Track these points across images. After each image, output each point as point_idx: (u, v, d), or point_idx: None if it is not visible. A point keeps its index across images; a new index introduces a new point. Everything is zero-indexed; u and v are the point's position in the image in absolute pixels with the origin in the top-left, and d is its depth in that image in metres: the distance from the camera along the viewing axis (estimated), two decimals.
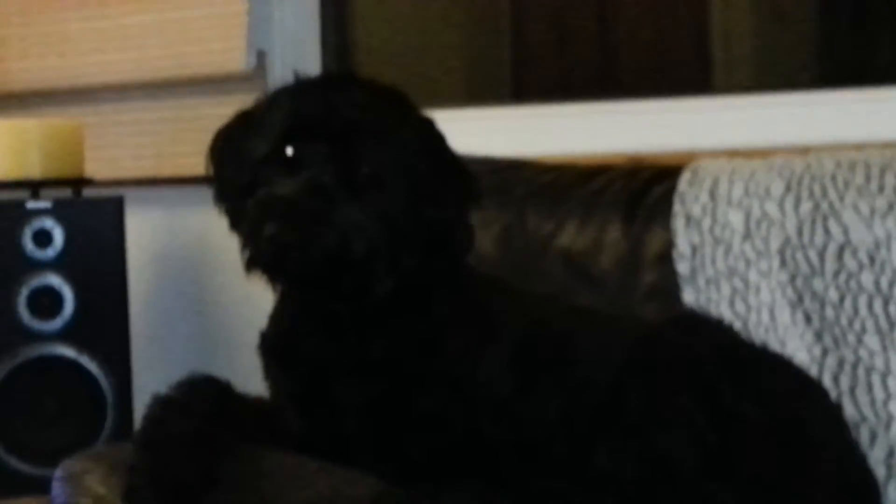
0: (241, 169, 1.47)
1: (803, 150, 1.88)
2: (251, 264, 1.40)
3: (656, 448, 1.42)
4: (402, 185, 1.42)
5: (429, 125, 1.50)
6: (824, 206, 1.75)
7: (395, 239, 1.41)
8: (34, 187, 2.45)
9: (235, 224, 1.46)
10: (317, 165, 1.40)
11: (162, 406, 1.47)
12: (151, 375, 2.50)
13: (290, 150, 1.41)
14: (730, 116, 2.21)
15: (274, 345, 1.53)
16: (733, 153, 1.93)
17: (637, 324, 1.62)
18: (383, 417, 1.45)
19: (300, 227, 1.36)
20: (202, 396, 1.48)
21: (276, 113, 1.46)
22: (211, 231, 2.54)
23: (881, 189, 1.74)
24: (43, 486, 1.98)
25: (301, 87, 1.49)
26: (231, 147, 1.50)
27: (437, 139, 1.50)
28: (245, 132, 1.48)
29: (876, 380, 1.68)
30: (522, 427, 1.47)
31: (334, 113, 1.42)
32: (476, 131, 2.29)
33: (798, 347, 1.71)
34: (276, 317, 1.54)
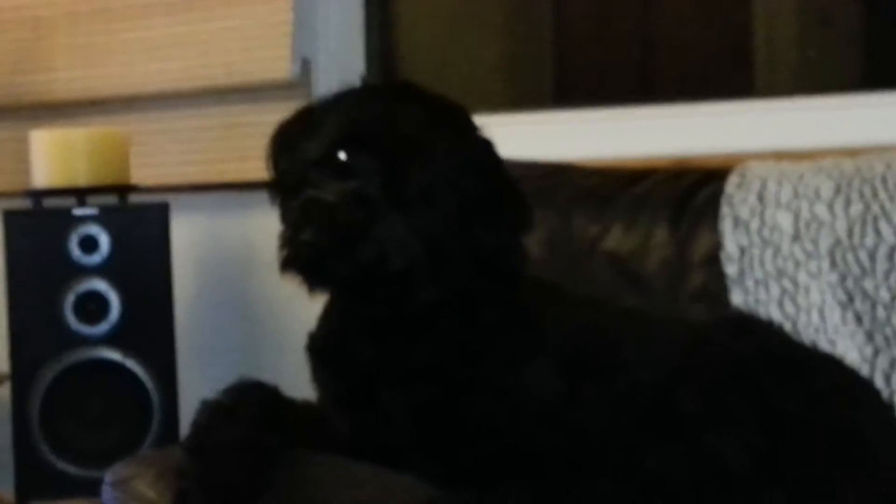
0: (293, 167, 1.47)
1: (848, 153, 1.86)
2: (286, 266, 1.40)
3: (707, 451, 1.40)
4: (450, 205, 1.41)
5: (486, 147, 1.50)
6: (875, 207, 1.74)
7: (438, 257, 1.41)
8: (81, 194, 2.49)
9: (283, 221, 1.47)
10: (366, 175, 1.40)
11: (211, 412, 1.47)
12: (197, 378, 2.52)
13: (342, 156, 1.42)
14: (773, 119, 2.20)
15: (322, 346, 1.53)
16: (777, 155, 1.92)
17: (686, 326, 1.61)
18: (431, 423, 1.45)
19: (338, 235, 1.37)
20: (250, 402, 1.48)
21: (333, 116, 1.46)
22: (255, 236, 2.56)
23: None
24: (90, 488, 2.01)
25: (362, 94, 1.49)
26: (288, 144, 1.50)
27: (494, 162, 1.49)
28: (302, 131, 1.49)
29: None
30: (571, 433, 1.46)
31: (391, 125, 1.42)
32: (519, 136, 2.29)
33: (849, 348, 1.70)
34: (325, 318, 1.54)
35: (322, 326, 1.55)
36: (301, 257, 1.38)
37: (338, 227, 1.37)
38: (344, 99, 1.48)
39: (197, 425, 1.47)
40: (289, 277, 1.42)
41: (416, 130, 1.42)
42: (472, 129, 1.50)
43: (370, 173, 1.40)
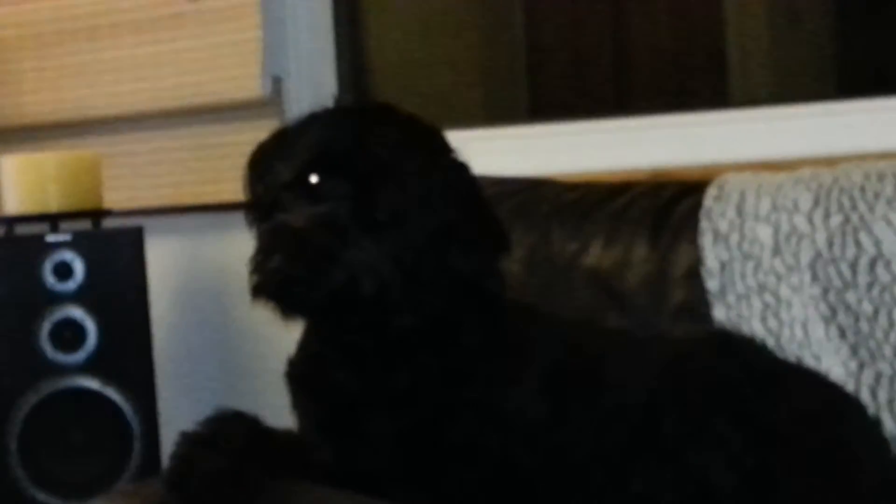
0: (267, 190, 1.46)
1: (825, 161, 1.86)
2: (256, 293, 1.39)
3: (693, 471, 1.40)
4: (423, 229, 1.40)
5: (461, 170, 1.48)
6: (854, 218, 1.73)
7: (411, 282, 1.39)
8: (53, 220, 2.46)
9: None
10: (337, 199, 1.38)
11: (190, 443, 1.46)
12: (177, 404, 2.50)
13: (314, 179, 1.40)
14: (750, 129, 2.20)
15: (301, 373, 1.52)
16: (755, 166, 1.92)
17: (668, 344, 1.60)
18: (413, 449, 1.44)
19: (307, 261, 1.35)
20: (231, 433, 1.47)
21: (305, 139, 1.45)
22: (232, 258, 2.53)
23: None
24: None
25: (335, 115, 1.48)
26: (262, 167, 1.49)
27: (468, 185, 1.48)
28: (275, 153, 1.47)
29: None
30: (556, 455, 1.46)
31: (363, 147, 1.40)
32: (494, 150, 2.28)
33: (833, 363, 1.69)
34: (304, 344, 1.53)
35: (301, 352, 1.53)
36: (270, 284, 1.37)
37: (306, 252, 1.35)
38: (316, 120, 1.47)
39: (177, 457, 1.45)
40: (260, 304, 1.40)
41: (389, 153, 1.41)
42: (447, 151, 1.48)
43: (341, 197, 1.38)
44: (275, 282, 1.36)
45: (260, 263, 1.37)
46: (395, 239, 1.38)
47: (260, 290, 1.38)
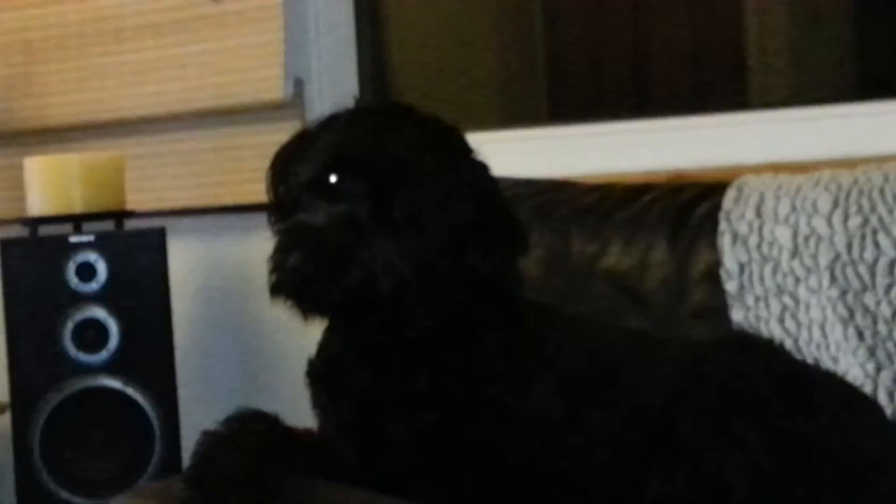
0: (288, 191, 1.47)
1: (845, 163, 1.86)
2: (275, 291, 1.40)
3: (710, 473, 1.40)
4: (440, 228, 1.40)
5: (480, 170, 1.49)
6: (873, 220, 1.73)
7: (428, 280, 1.40)
8: (77, 221, 2.48)
9: None
10: (355, 198, 1.39)
11: (211, 442, 1.47)
12: (197, 403, 2.51)
13: (333, 179, 1.41)
14: (770, 131, 2.20)
15: (322, 373, 1.53)
16: (774, 167, 1.91)
17: (687, 346, 1.60)
18: (433, 449, 1.45)
19: (325, 259, 1.36)
20: (251, 432, 1.48)
21: (325, 139, 1.45)
22: (253, 258, 2.54)
23: None
24: None
25: (354, 116, 1.48)
26: (283, 168, 1.50)
27: (487, 186, 1.49)
28: (296, 154, 1.48)
29: None
30: (574, 456, 1.46)
31: (381, 147, 1.41)
32: (513, 153, 2.29)
33: (851, 364, 1.69)
34: (325, 345, 1.54)
35: (322, 353, 1.54)
36: (288, 283, 1.38)
37: (324, 251, 1.36)
38: (336, 121, 1.48)
39: (198, 456, 1.47)
40: (278, 303, 1.41)
41: (408, 153, 1.41)
42: (466, 152, 1.49)
43: (360, 196, 1.39)
44: (293, 280, 1.37)
45: (278, 262, 1.38)
46: (413, 238, 1.39)
47: (278, 289, 1.39)
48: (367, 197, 1.39)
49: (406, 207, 1.39)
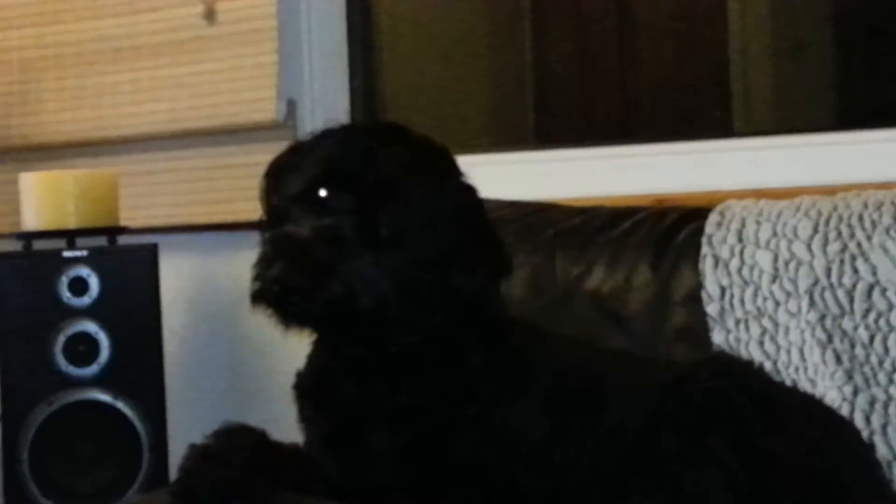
0: (278, 202, 1.49)
1: (825, 191, 1.89)
2: (255, 300, 1.42)
3: (690, 492, 1.42)
4: (425, 247, 1.42)
5: (468, 192, 1.51)
6: (852, 246, 1.76)
7: (410, 298, 1.42)
8: (70, 236, 2.50)
9: None
10: (342, 214, 1.41)
11: (199, 456, 1.50)
12: (187, 419, 2.52)
13: (322, 192, 1.43)
14: (753, 158, 2.23)
15: (308, 385, 1.55)
16: (756, 194, 1.94)
17: (668, 367, 1.63)
18: (416, 464, 1.47)
19: (306, 271, 1.38)
20: (238, 446, 1.50)
21: (317, 153, 1.48)
22: (244, 276, 2.56)
23: None
24: None
25: (346, 132, 1.51)
26: (275, 179, 1.52)
27: (474, 208, 1.51)
28: (288, 166, 1.51)
29: None
30: (556, 473, 1.48)
31: (371, 164, 1.44)
32: (501, 175, 2.32)
33: (829, 387, 1.72)
34: (313, 358, 1.56)
35: (309, 366, 1.56)
36: (269, 292, 1.40)
37: (306, 263, 1.38)
38: (329, 136, 1.50)
39: (184, 470, 1.49)
40: (259, 311, 1.43)
41: (397, 171, 1.43)
42: (455, 173, 1.51)
43: (347, 211, 1.41)
44: (273, 290, 1.39)
45: (260, 271, 1.41)
46: (397, 256, 1.41)
47: (259, 298, 1.42)
48: (354, 212, 1.41)
49: (392, 225, 1.41)
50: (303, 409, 1.55)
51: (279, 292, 1.39)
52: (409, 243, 1.42)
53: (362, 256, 1.40)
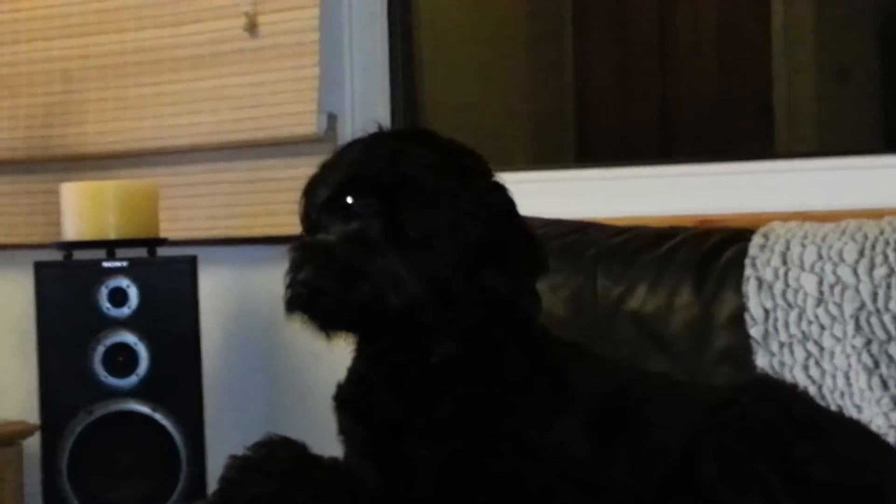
0: (310, 212, 1.50)
1: (871, 214, 1.88)
2: (289, 307, 1.42)
3: None
4: (454, 247, 1.42)
5: (498, 191, 1.50)
6: None
7: (441, 299, 1.41)
8: (110, 247, 2.51)
9: None
10: (368, 218, 1.42)
11: (239, 467, 1.50)
12: (224, 431, 2.53)
13: (349, 199, 1.44)
14: (796, 180, 2.22)
15: (348, 396, 1.54)
16: (800, 216, 1.93)
17: (711, 389, 1.62)
18: (456, 478, 1.46)
19: (333, 274, 1.38)
20: (278, 458, 1.50)
21: (343, 161, 1.49)
22: (282, 290, 2.58)
23: None
24: None
25: (374, 139, 1.51)
26: (310, 191, 1.54)
27: (505, 207, 1.50)
28: (321, 178, 1.52)
29: None
30: (595, 493, 1.47)
31: (393, 169, 1.43)
32: (542, 193, 2.32)
33: (875, 413, 1.70)
34: (353, 369, 1.56)
35: (350, 377, 1.56)
36: (299, 297, 1.40)
37: (333, 266, 1.38)
38: (354, 145, 1.51)
39: (225, 480, 1.50)
40: (292, 319, 1.43)
41: (420, 171, 1.43)
42: (484, 172, 1.50)
43: (372, 215, 1.41)
44: (303, 294, 1.39)
45: (292, 277, 1.41)
46: (425, 256, 1.41)
47: (291, 304, 1.42)
48: (380, 215, 1.41)
49: (418, 226, 1.41)
50: (342, 421, 1.55)
51: (309, 295, 1.40)
52: (436, 243, 1.41)
53: (389, 257, 1.40)
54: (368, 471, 1.50)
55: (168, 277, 2.47)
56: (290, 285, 1.41)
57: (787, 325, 1.80)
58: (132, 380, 2.42)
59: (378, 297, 1.39)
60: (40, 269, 2.49)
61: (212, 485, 1.57)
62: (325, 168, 1.52)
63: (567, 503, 1.46)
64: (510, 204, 1.51)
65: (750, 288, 1.83)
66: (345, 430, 1.55)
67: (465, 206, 1.44)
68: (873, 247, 1.78)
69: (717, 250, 1.90)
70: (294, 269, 1.41)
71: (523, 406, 1.48)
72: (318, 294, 1.39)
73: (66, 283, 2.46)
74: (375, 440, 1.50)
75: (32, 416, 2.56)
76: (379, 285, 1.39)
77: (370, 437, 1.50)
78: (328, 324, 1.43)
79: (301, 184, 1.57)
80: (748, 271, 1.84)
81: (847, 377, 1.74)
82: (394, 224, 1.41)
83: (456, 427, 1.46)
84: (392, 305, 1.40)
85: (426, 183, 1.43)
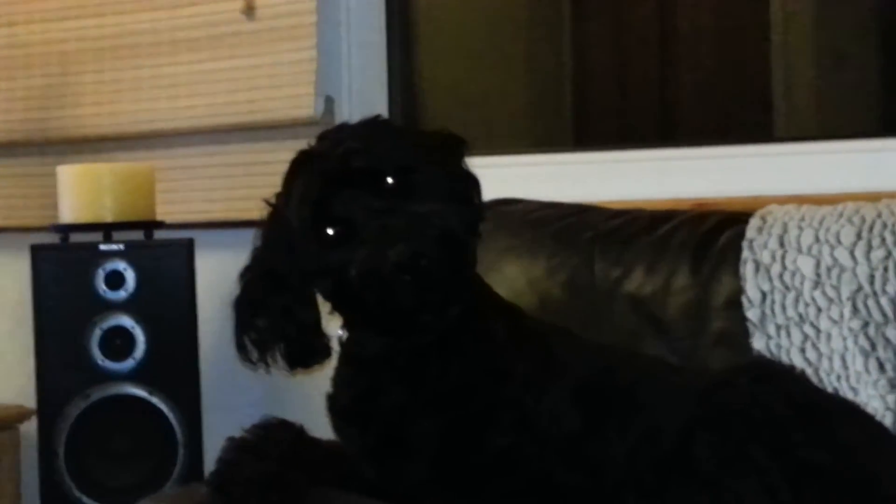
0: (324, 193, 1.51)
1: (868, 197, 1.87)
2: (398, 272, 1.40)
3: (729, 499, 1.41)
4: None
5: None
6: None
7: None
8: (107, 230, 2.51)
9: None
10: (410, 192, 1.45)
11: (236, 448, 1.50)
12: (221, 414, 2.53)
13: (389, 179, 1.46)
14: (794, 163, 2.21)
15: (346, 404, 1.55)
16: (797, 199, 1.93)
17: (705, 372, 1.62)
18: (455, 456, 1.47)
19: (440, 242, 1.42)
20: (276, 440, 1.51)
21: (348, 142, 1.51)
22: None
23: None
24: None
25: (361, 128, 1.54)
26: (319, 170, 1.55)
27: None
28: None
29: None
30: (590, 471, 1.48)
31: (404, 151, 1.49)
32: (540, 177, 2.31)
33: (871, 395, 1.71)
34: (343, 376, 1.56)
35: (342, 388, 1.56)
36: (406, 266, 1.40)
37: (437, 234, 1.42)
38: (344, 133, 1.53)
39: (222, 461, 1.50)
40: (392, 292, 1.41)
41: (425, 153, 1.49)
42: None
43: (408, 190, 1.45)
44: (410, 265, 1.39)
45: (389, 254, 1.40)
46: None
47: (402, 269, 1.40)
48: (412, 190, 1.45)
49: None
50: (341, 429, 1.56)
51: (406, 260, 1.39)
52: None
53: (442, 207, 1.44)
54: (367, 456, 1.51)
55: (165, 260, 2.46)
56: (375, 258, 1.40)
57: (783, 308, 1.80)
58: (129, 363, 2.42)
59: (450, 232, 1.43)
60: (37, 251, 2.48)
61: (208, 468, 1.57)
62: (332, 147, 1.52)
63: (562, 482, 1.47)
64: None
65: (747, 270, 1.83)
66: (346, 436, 1.55)
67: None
68: (871, 229, 1.78)
69: (714, 233, 1.90)
70: (385, 248, 1.40)
71: (518, 372, 1.50)
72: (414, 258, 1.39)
73: (62, 266, 2.46)
74: (379, 433, 1.50)
75: (29, 399, 2.56)
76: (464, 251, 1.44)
77: (373, 439, 1.51)
78: (428, 289, 1.42)
79: None
80: (745, 254, 1.84)
81: (844, 360, 1.75)
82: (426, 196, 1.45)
83: (458, 396, 1.48)
84: (460, 238, 1.44)
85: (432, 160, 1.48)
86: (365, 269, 1.41)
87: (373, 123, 1.55)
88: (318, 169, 1.49)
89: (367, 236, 1.42)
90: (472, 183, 1.53)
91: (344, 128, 1.55)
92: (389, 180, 1.45)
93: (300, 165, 1.54)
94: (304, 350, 1.51)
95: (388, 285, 1.40)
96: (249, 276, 1.56)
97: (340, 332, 1.54)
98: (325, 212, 1.46)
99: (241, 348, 1.53)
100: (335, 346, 1.53)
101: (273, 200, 1.56)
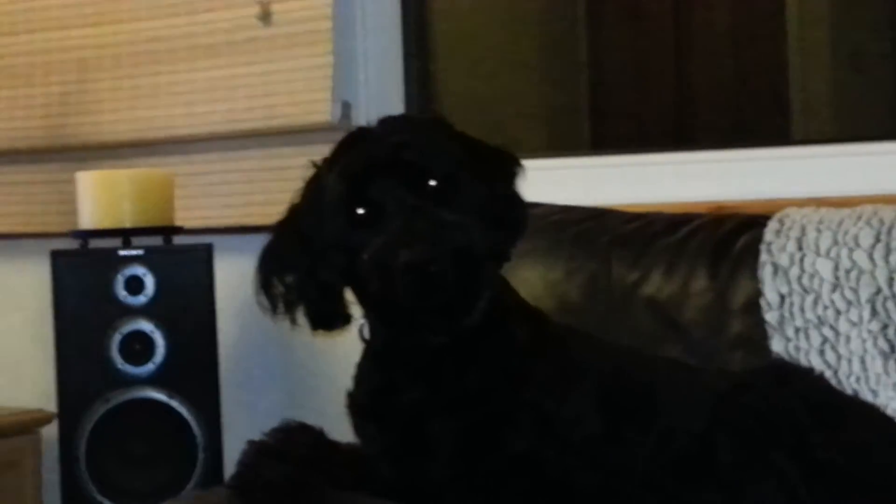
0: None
1: (887, 200, 1.87)
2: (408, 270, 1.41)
3: (749, 500, 1.41)
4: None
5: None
6: None
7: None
8: (126, 235, 2.52)
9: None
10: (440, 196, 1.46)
11: (256, 452, 1.51)
12: (241, 419, 2.54)
13: (432, 182, 1.48)
14: (812, 166, 2.21)
15: (366, 402, 1.55)
16: (815, 202, 1.93)
17: (725, 374, 1.62)
18: (475, 458, 1.47)
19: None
20: (296, 443, 1.51)
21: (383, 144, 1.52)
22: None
23: None
24: None
25: (396, 123, 1.56)
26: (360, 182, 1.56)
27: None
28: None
29: None
30: (610, 473, 1.48)
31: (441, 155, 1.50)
32: (557, 180, 2.32)
33: (891, 397, 1.71)
34: (363, 374, 1.57)
35: (361, 384, 1.57)
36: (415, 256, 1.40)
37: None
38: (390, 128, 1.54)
39: (243, 465, 1.51)
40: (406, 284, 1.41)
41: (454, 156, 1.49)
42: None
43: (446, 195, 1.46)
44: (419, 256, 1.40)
45: (410, 252, 1.41)
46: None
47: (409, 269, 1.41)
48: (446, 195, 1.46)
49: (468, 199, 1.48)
50: (360, 427, 1.56)
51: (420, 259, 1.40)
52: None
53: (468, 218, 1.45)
54: (386, 457, 1.51)
55: (184, 265, 2.48)
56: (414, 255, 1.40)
57: (802, 311, 1.80)
58: (149, 367, 2.43)
59: (468, 245, 1.43)
60: (57, 257, 2.49)
61: (228, 472, 1.58)
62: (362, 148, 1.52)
63: (581, 483, 1.47)
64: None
65: (765, 273, 1.83)
66: (364, 435, 1.56)
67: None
68: (889, 232, 1.78)
69: (732, 236, 1.90)
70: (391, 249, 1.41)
71: (538, 375, 1.50)
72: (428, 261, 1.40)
73: (82, 271, 2.47)
74: (399, 433, 1.51)
75: (50, 404, 2.57)
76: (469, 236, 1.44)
77: (392, 437, 1.52)
78: (431, 296, 1.42)
79: None
80: (764, 257, 1.84)
81: (863, 362, 1.74)
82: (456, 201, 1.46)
83: (476, 398, 1.48)
84: (478, 253, 1.44)
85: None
86: (375, 258, 1.42)
87: (434, 122, 1.58)
88: (369, 149, 1.50)
89: (390, 228, 1.42)
90: (515, 205, 1.53)
91: (407, 118, 1.56)
92: (432, 182, 1.46)
93: (355, 139, 1.54)
94: (324, 314, 1.51)
95: (392, 281, 1.41)
96: (281, 230, 1.56)
97: (362, 321, 1.55)
98: (361, 191, 1.47)
99: (268, 295, 1.54)
100: (355, 314, 1.53)
101: (318, 163, 1.56)
